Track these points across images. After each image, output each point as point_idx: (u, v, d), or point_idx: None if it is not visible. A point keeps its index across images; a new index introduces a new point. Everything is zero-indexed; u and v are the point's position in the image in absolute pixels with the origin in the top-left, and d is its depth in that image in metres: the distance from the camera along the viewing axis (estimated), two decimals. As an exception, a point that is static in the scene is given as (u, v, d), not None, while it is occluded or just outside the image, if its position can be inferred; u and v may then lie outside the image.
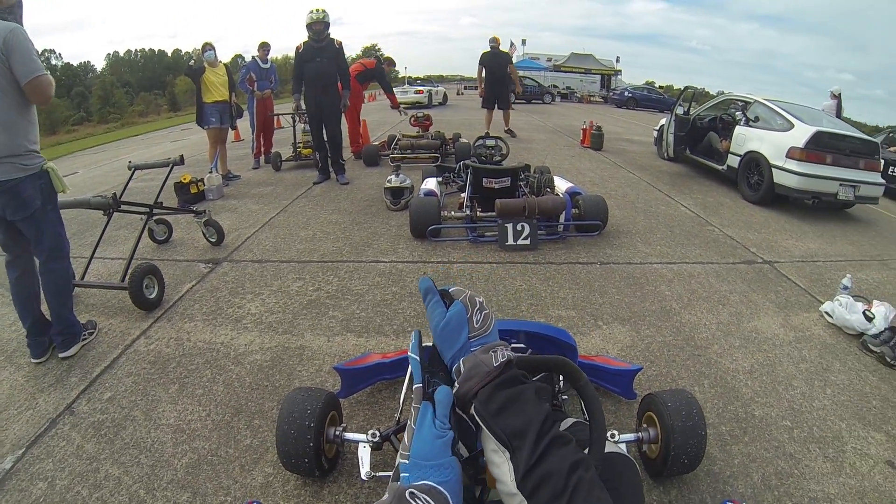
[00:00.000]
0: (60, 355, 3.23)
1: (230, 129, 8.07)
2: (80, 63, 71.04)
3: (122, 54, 75.81)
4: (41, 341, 3.25)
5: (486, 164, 6.30)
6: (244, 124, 10.17)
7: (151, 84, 70.57)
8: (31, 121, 2.96)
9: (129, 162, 4.59)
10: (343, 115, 8.25)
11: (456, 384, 1.03)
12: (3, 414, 2.71)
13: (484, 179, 5.47)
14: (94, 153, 19.77)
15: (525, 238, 4.97)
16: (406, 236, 5.28)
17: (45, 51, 61.19)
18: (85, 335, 3.41)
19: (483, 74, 11.62)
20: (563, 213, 5.18)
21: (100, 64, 71.63)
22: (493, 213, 5.04)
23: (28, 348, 3.25)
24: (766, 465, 2.37)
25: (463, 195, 5.88)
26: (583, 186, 6.40)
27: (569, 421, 1.77)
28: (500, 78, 11.48)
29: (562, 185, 5.91)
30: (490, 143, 6.93)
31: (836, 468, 2.37)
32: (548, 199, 5.13)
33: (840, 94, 11.07)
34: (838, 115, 10.31)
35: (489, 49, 11.32)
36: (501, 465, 0.92)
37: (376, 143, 10.18)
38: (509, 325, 2.09)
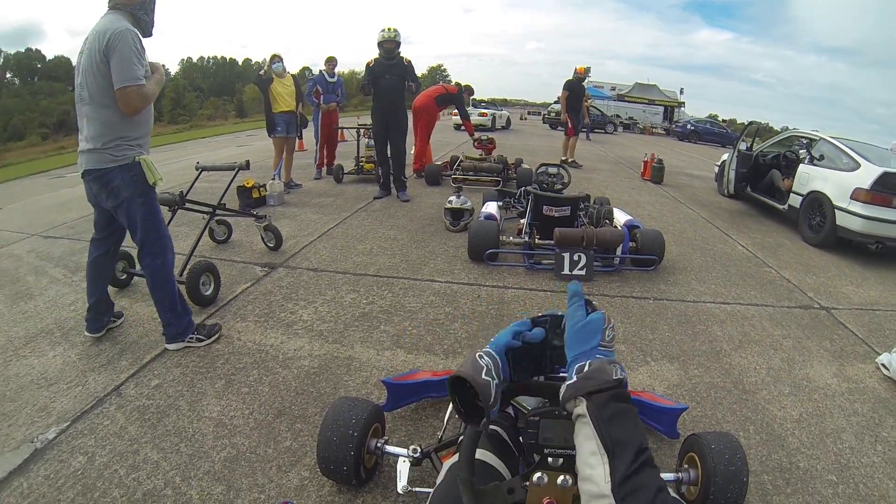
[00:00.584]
0: (165, 346, 3.40)
1: (296, 139, 8.33)
2: None
3: (195, 60, 78.74)
4: (99, 318, 3.48)
5: (547, 191, 6.33)
6: (308, 135, 10.46)
7: (221, 90, 73.08)
8: (127, 119, 3.03)
9: (197, 163, 4.77)
10: (415, 130, 8.62)
11: (574, 377, 1.08)
12: (54, 387, 2.88)
13: (544, 207, 5.51)
14: (161, 151, 20.33)
15: (581, 268, 4.96)
16: (463, 258, 5.36)
17: None
18: (192, 339, 3.44)
19: (565, 101, 11.80)
20: (621, 245, 5.19)
21: (174, 68, 74.53)
22: (552, 241, 5.06)
23: (85, 322, 3.49)
24: None
25: (522, 221, 5.90)
26: (641, 220, 6.39)
27: None
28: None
29: (620, 217, 5.90)
30: (552, 170, 6.94)
31: None
32: (606, 230, 5.15)
33: None
34: None
35: (573, 77, 11.64)
36: (597, 468, 0.96)
37: (439, 162, 10.37)
38: None
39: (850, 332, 4.29)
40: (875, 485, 2.54)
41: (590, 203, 6.42)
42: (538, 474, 1.23)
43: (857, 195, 6.21)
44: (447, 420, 2.45)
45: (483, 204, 6.57)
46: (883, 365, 3.67)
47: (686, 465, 2.26)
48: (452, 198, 6.51)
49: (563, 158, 12.18)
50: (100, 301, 3.46)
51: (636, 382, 3.32)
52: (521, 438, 1.36)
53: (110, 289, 3.82)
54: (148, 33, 3.13)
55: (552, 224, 5.29)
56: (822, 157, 7.30)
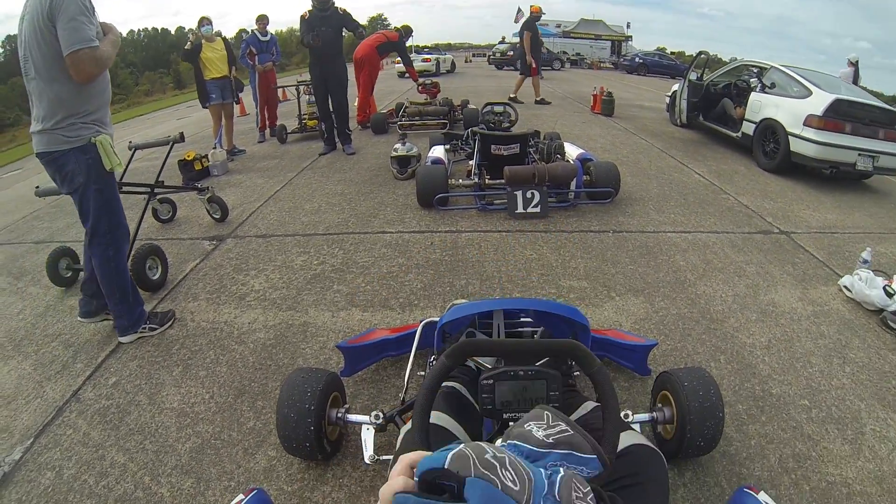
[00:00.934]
0: (118, 339, 3.17)
1: (233, 104, 7.96)
2: None
3: (125, 34, 75.24)
4: (89, 301, 3.22)
5: (494, 130, 6.14)
6: (248, 99, 10.17)
7: (156, 63, 69.94)
8: (80, 91, 2.69)
9: (130, 142, 4.45)
10: (358, 81, 8.50)
11: None
12: (13, 404, 2.70)
13: (492, 146, 5.38)
14: None
15: (535, 206, 4.85)
16: (413, 206, 5.20)
17: None
18: (144, 328, 3.22)
19: (529, 41, 11.67)
20: (574, 180, 5.05)
21: None
22: (502, 181, 4.91)
23: (79, 304, 3.25)
24: (783, 446, 2.28)
25: (471, 163, 5.76)
26: (594, 153, 6.24)
27: (588, 405, 1.67)
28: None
29: (572, 151, 5.78)
30: (498, 108, 6.78)
31: (854, 451, 2.28)
32: (558, 165, 5.00)
33: (857, 63, 10.74)
34: (855, 83, 9.98)
35: (529, 17, 11.71)
36: None
37: (384, 111, 10.17)
38: (520, 303, 1.98)
39: (810, 256, 4.27)
40: (847, 406, 2.55)
41: (539, 139, 6.31)
42: (499, 440, 1.06)
43: (809, 121, 6.21)
44: (408, 379, 2.33)
45: (429, 149, 6.41)
46: (845, 287, 3.67)
47: (660, 404, 2.18)
48: (398, 145, 6.32)
49: (513, 96, 12.12)
50: (88, 281, 3.19)
51: (602, 319, 3.22)
52: (479, 406, 1.21)
53: (59, 290, 3.79)
54: None
55: (502, 163, 5.14)
56: (773, 86, 7.29)
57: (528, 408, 1.13)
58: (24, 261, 4.55)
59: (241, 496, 1.62)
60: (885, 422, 2.47)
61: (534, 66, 11.94)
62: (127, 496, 2.07)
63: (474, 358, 1.35)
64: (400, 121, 9.27)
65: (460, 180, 5.44)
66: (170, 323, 3.34)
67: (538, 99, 12.46)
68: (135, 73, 64.08)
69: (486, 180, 5.22)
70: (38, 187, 3.86)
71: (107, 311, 3.24)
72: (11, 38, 53.98)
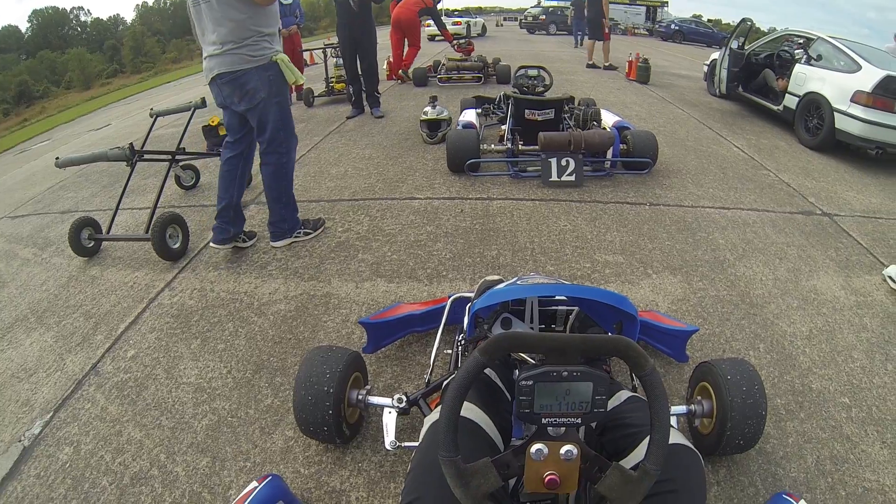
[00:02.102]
0: (271, 244, 3.71)
1: None
2: (110, 17, 69.98)
3: (150, 3, 74.38)
4: (226, 229, 3.56)
5: (527, 94, 5.96)
6: None
7: (183, 30, 68.67)
8: (260, 13, 2.97)
9: (151, 109, 4.48)
10: (392, 42, 8.79)
11: None
12: (34, 377, 2.72)
13: (526, 111, 5.19)
14: (126, 104, 19.61)
15: (570, 174, 4.69)
16: (443, 171, 5.08)
17: (73, 8, 60.69)
18: (300, 234, 3.76)
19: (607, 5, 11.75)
20: (611, 148, 4.87)
21: (129, 16, 70.34)
22: (536, 147, 4.76)
23: (212, 231, 3.61)
24: (821, 447, 2.19)
25: (503, 128, 5.56)
26: (629, 121, 6.03)
27: (623, 395, 1.58)
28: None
29: (609, 118, 5.58)
30: (532, 72, 6.57)
31: (893, 456, 2.17)
32: (595, 133, 4.84)
33: None
34: None
35: None
36: None
37: (424, 66, 10.45)
38: (564, 290, 1.86)
39: (854, 241, 4.09)
40: (888, 408, 2.44)
41: (574, 105, 6.12)
42: (536, 446, 1.07)
43: (857, 98, 5.89)
44: (434, 358, 2.29)
45: (460, 112, 6.22)
46: (890, 277, 3.50)
47: (699, 397, 2.07)
48: (428, 108, 6.15)
49: (591, 63, 12.47)
50: (227, 208, 3.50)
51: (638, 298, 3.13)
52: (515, 408, 1.12)
53: (82, 260, 3.80)
54: None
55: (536, 129, 4.95)
56: (819, 58, 6.92)
57: (569, 411, 1.07)
58: (50, 231, 4.55)
59: (254, 483, 1.58)
60: None
61: (607, 30, 11.88)
62: (142, 474, 2.06)
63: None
64: (439, 74, 10.11)
65: (492, 145, 5.31)
66: (321, 228, 3.88)
67: (607, 64, 12.29)
68: (162, 41, 63.70)
69: (520, 146, 5.05)
70: (57, 158, 3.85)
71: (239, 237, 3.69)
72: (38, 12, 54.18)
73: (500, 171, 5.04)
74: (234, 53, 2.96)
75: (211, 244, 3.62)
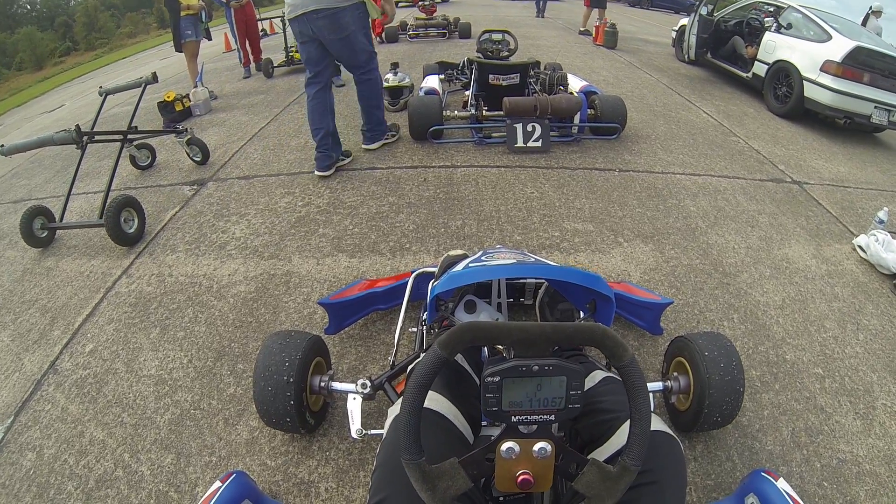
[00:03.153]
0: (364, 146, 4.57)
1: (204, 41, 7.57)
2: None
3: None
4: (328, 155, 4.14)
5: (492, 59, 5.79)
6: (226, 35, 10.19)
7: (138, 3, 66.48)
8: None
9: (100, 87, 4.26)
10: None
11: None
12: None
13: (490, 76, 5.04)
14: (80, 83, 19.04)
15: (536, 140, 4.55)
16: (405, 139, 4.91)
17: None
18: (388, 136, 4.67)
19: None
20: (578, 113, 4.73)
21: None
22: (501, 113, 4.61)
23: (315, 161, 4.15)
24: (796, 418, 2.20)
25: (467, 93, 5.41)
26: (597, 86, 5.90)
27: (597, 375, 1.47)
28: None
29: (576, 83, 5.45)
30: (497, 36, 6.39)
31: (865, 427, 2.20)
32: (562, 97, 4.66)
33: (881, 13, 9.94)
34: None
35: None
36: None
37: (393, 24, 11.10)
38: (531, 270, 1.73)
39: (823, 210, 4.09)
40: (860, 378, 2.47)
41: (540, 69, 6.00)
42: (507, 445, 1.00)
43: (827, 67, 5.92)
44: (398, 337, 2.19)
45: (423, 78, 6.03)
46: (860, 247, 3.52)
47: (675, 373, 2.00)
48: (389, 75, 5.92)
49: (583, 30, 12.20)
50: (325, 136, 4.05)
51: (610, 268, 3.06)
52: (481, 406, 1.01)
53: (36, 252, 3.64)
54: None
55: (500, 94, 4.80)
56: (789, 26, 6.91)
57: (541, 408, 0.98)
58: (2, 222, 4.31)
59: (217, 484, 1.48)
60: None
61: None
62: (107, 476, 1.98)
63: None
64: (408, 32, 11.18)
65: (456, 112, 5.13)
66: (396, 132, 4.85)
67: (582, 29, 12.22)
68: (116, 15, 61.44)
69: (484, 112, 4.89)
70: (1, 146, 3.59)
71: (338, 160, 4.28)
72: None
73: (464, 138, 4.91)
74: None
75: (315, 172, 4.16)
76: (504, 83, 5.04)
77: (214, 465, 1.95)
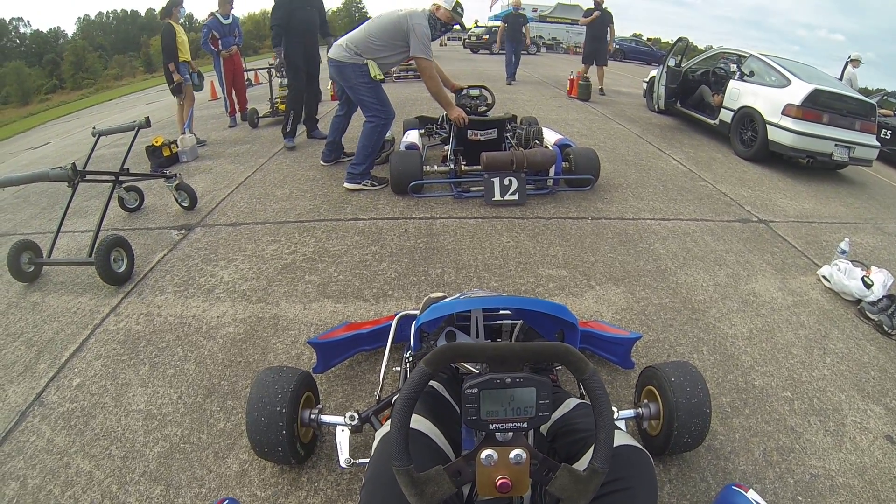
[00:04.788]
0: (345, 185, 5.11)
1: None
2: (51, 29, 66.59)
3: (93, 17, 71.74)
4: (331, 154, 5.86)
5: (470, 114, 5.97)
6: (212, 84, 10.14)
7: (126, 46, 66.92)
8: (388, 50, 4.68)
9: (94, 128, 4.30)
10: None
11: None
12: None
13: (468, 131, 5.20)
14: (66, 122, 18.95)
15: (513, 193, 4.72)
16: (387, 192, 5.04)
17: (12, 19, 57.94)
18: (367, 184, 5.08)
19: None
20: (553, 166, 4.92)
21: (71, 29, 67.97)
22: (479, 167, 4.76)
23: (322, 154, 5.92)
24: (767, 439, 2.29)
25: (446, 148, 5.55)
26: (571, 138, 6.10)
27: (571, 402, 1.59)
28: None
29: (551, 137, 5.61)
30: (474, 92, 6.57)
31: (836, 443, 2.30)
32: (537, 151, 4.84)
33: (859, 62, 9.98)
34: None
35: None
36: None
37: None
38: (504, 302, 1.87)
39: (789, 245, 4.27)
40: (828, 398, 2.59)
41: (517, 124, 6.23)
42: (486, 452, 1.09)
43: (788, 111, 6.24)
44: (383, 375, 2.27)
45: (403, 133, 6.14)
46: (824, 277, 3.69)
47: (645, 400, 2.12)
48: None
49: (601, 87, 11.83)
50: (333, 142, 5.76)
51: (582, 309, 3.16)
52: (462, 416, 1.13)
53: (21, 286, 3.60)
54: None
55: (478, 149, 4.99)
56: (752, 74, 7.30)
57: (515, 416, 1.08)
58: None
59: None
60: (865, 413, 2.50)
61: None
62: None
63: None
64: (393, 75, 12.71)
65: (435, 166, 5.28)
66: (384, 185, 5.11)
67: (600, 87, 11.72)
68: (104, 56, 62.04)
69: (463, 166, 5.05)
70: None
71: (341, 158, 5.89)
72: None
73: (444, 192, 5.03)
74: (341, 52, 4.62)
75: (321, 161, 5.88)
76: (482, 138, 5.21)
77: (204, 497, 1.98)
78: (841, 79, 9.28)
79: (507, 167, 4.69)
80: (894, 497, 2.07)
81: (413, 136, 5.74)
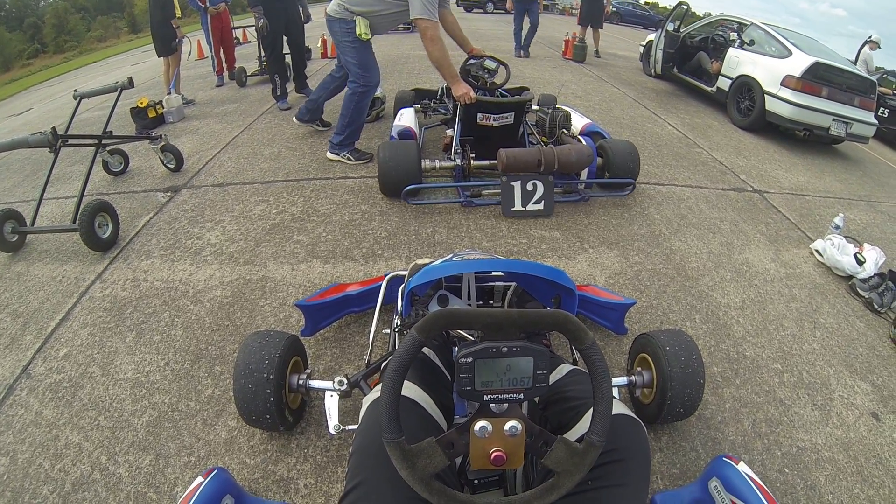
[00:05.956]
0: (327, 154, 4.70)
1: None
2: None
3: None
4: (305, 113, 5.23)
5: (480, 93, 4.15)
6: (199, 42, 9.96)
7: (109, 6, 65.01)
8: (365, 10, 3.96)
9: (75, 91, 4.16)
10: None
11: None
12: None
13: (479, 114, 4.04)
14: (49, 86, 18.39)
15: (537, 201, 3.75)
16: (376, 148, 4.76)
17: None
18: (346, 158, 4.61)
19: None
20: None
21: None
22: (491, 162, 3.89)
23: (298, 110, 5.27)
24: (756, 410, 2.32)
25: (449, 132, 4.39)
26: (567, 101, 5.96)
27: (564, 368, 1.55)
28: None
29: (578, 122, 4.54)
30: (490, 64, 4.49)
31: (823, 417, 2.33)
32: (571, 150, 3.71)
33: (878, 45, 9.51)
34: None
35: None
36: None
37: None
38: (499, 265, 1.81)
39: (783, 217, 4.26)
40: (817, 372, 2.61)
41: (532, 103, 4.78)
42: (480, 423, 1.05)
43: (787, 82, 6.18)
44: (372, 338, 2.24)
45: (395, 113, 5.03)
46: (817, 251, 3.69)
47: (639, 368, 2.10)
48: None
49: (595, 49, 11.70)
50: (314, 102, 5.09)
51: (575, 272, 3.14)
52: (454, 386, 1.13)
53: (6, 256, 3.49)
54: None
55: (490, 136, 4.10)
56: (752, 42, 7.19)
57: (511, 387, 1.04)
58: None
59: (199, 479, 1.49)
60: (852, 388, 2.53)
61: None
62: (84, 479, 1.95)
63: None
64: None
65: (437, 162, 4.07)
66: (365, 160, 4.61)
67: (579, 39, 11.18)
68: (87, 17, 60.26)
69: (472, 160, 4.00)
70: None
71: (316, 123, 5.40)
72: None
73: (448, 198, 4.02)
74: (337, 3, 3.98)
75: (294, 118, 5.30)
76: (495, 123, 4.10)
77: (193, 465, 1.96)
78: (856, 60, 9.15)
79: (532, 169, 3.67)
80: (877, 473, 2.10)
81: (408, 118, 4.55)
